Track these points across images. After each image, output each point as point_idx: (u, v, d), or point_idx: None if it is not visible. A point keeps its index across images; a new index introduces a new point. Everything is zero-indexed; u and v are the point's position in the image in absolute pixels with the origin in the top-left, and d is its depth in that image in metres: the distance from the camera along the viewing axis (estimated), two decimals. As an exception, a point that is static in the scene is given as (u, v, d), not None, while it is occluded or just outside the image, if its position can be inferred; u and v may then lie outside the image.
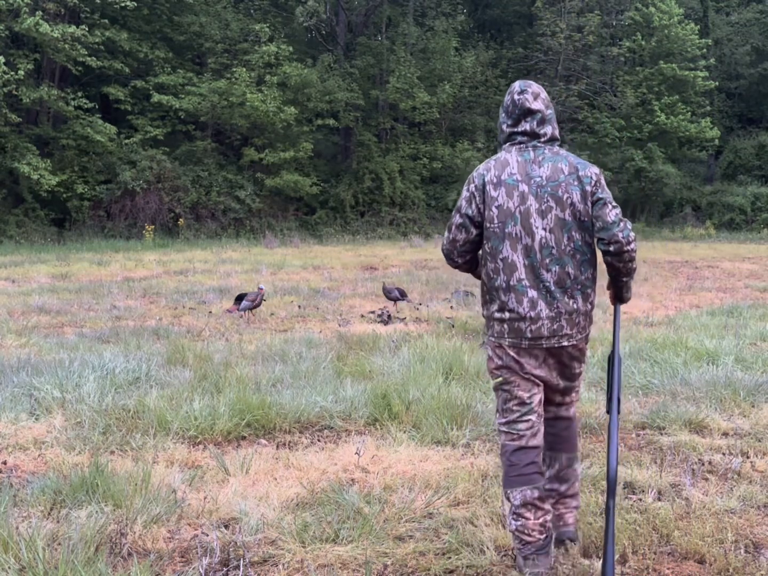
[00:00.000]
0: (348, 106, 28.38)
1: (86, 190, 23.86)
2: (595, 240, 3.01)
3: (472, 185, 3.05)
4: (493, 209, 2.99)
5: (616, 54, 33.62)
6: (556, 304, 2.98)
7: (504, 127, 3.12)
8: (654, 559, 3.27)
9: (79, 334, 8.48)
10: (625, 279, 3.09)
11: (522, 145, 3.04)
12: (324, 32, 33.28)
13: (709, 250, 22.06)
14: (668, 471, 4.28)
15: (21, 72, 21.86)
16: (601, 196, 2.96)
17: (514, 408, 3.06)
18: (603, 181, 3.02)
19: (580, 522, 3.49)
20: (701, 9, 37.13)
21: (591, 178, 2.98)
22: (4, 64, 21.45)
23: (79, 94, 23.87)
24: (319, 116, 28.55)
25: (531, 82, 3.15)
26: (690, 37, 32.64)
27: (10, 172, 23.09)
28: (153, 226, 23.65)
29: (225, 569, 3.17)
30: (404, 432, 4.93)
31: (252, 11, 30.61)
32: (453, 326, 9.07)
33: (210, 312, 10.30)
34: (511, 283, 2.99)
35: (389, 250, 21.01)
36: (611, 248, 2.93)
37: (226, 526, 3.57)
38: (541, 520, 2.99)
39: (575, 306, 3.00)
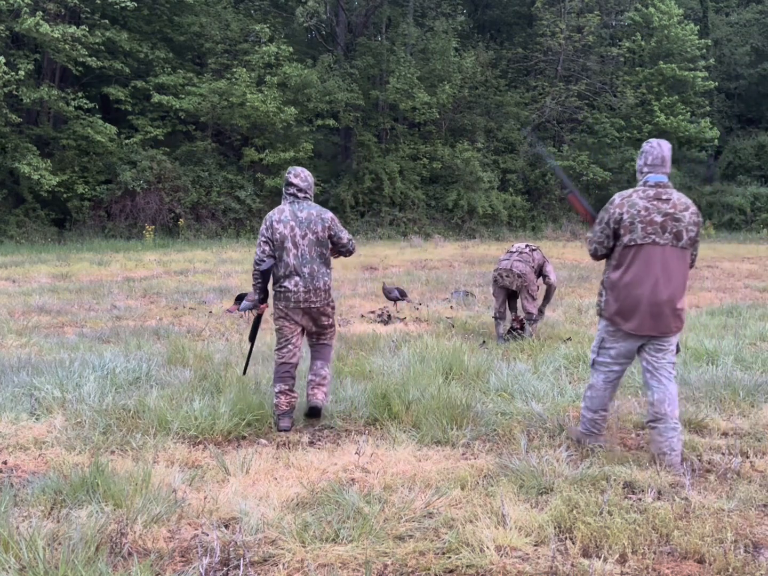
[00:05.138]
0: (348, 107, 28.36)
1: (86, 190, 23.81)
2: (340, 250, 5.45)
3: (267, 223, 5.31)
4: (277, 235, 5.25)
5: (615, 54, 33.58)
6: (308, 285, 5.25)
7: (283, 188, 5.44)
8: (654, 558, 3.28)
9: (80, 334, 8.49)
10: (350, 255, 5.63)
11: (290, 200, 5.35)
12: (324, 32, 33.26)
13: (709, 250, 22.05)
14: (668, 471, 4.28)
15: (21, 72, 21.82)
16: (335, 231, 5.37)
17: (282, 341, 5.36)
18: (336, 219, 5.41)
19: (578, 521, 3.51)
20: (701, 9, 37.12)
21: (327, 219, 5.34)
22: (5, 64, 21.41)
23: (80, 94, 23.81)
24: (319, 116, 28.51)
25: (298, 167, 5.46)
26: (690, 37, 32.62)
27: (10, 172, 23.06)
28: (153, 226, 23.62)
29: (225, 569, 3.17)
30: (404, 432, 4.94)
31: (252, 12, 30.56)
32: (453, 326, 9.08)
33: (210, 312, 10.31)
34: (287, 274, 5.25)
35: (389, 250, 21.01)
36: (347, 254, 5.53)
37: (226, 526, 3.58)
38: (287, 399, 5.24)
39: (319, 286, 5.29)
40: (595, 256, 4.58)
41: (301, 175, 5.38)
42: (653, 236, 4.34)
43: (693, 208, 4.46)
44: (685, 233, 4.38)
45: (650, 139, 4.58)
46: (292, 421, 5.23)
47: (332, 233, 5.36)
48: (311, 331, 5.43)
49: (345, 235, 5.44)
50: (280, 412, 5.21)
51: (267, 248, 5.27)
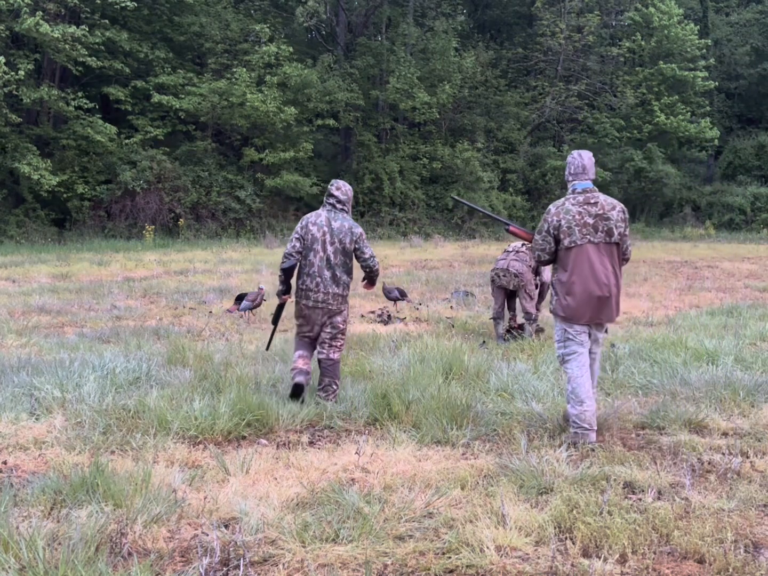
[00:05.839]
0: (348, 107, 28.36)
1: (86, 190, 23.81)
2: (361, 264, 5.98)
3: (303, 223, 5.90)
4: (309, 235, 5.83)
5: (615, 54, 33.60)
6: (328, 288, 5.79)
7: (324, 197, 6.02)
8: (654, 558, 3.28)
9: (80, 334, 8.49)
10: (374, 278, 6.17)
11: (329, 209, 5.92)
12: (324, 32, 33.28)
13: (709, 250, 22.07)
14: (668, 471, 4.28)
15: (21, 72, 21.82)
16: (360, 245, 5.88)
17: (301, 333, 5.92)
18: (364, 236, 5.93)
19: (578, 521, 3.52)
20: (701, 9, 37.12)
21: (357, 234, 5.87)
22: (5, 64, 21.41)
23: (80, 94, 23.81)
24: (319, 116, 28.52)
25: (340, 181, 6.03)
26: (690, 37, 32.64)
27: (10, 172, 23.06)
28: (153, 226, 23.62)
29: (225, 569, 3.17)
30: (404, 432, 4.94)
31: (252, 11, 30.56)
32: (453, 326, 9.08)
33: (210, 312, 10.31)
34: (310, 273, 5.80)
35: (389, 250, 21.01)
36: (368, 270, 6.03)
37: (226, 526, 3.58)
38: (305, 361, 5.78)
39: (337, 291, 5.82)
40: (540, 261, 5.13)
41: (342, 189, 5.98)
42: (588, 237, 4.88)
43: (619, 207, 5.02)
44: (615, 229, 4.92)
45: (572, 151, 5.17)
46: (307, 381, 5.66)
47: (357, 247, 5.88)
48: (326, 331, 5.88)
49: (368, 252, 5.95)
50: (296, 370, 5.69)
51: (298, 245, 5.82)
